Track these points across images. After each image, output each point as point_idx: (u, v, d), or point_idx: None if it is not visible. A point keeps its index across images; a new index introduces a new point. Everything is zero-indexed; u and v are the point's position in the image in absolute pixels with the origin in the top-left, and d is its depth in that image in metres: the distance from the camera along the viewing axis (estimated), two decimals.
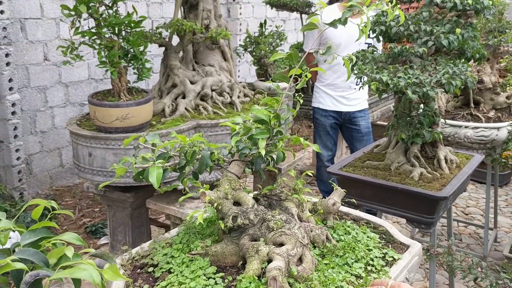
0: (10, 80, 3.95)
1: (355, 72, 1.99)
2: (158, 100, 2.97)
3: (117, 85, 2.53)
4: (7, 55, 3.88)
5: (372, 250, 1.45)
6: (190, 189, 1.52)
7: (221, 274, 1.27)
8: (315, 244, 1.40)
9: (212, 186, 2.62)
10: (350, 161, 2.38)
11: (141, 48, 2.61)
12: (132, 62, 2.59)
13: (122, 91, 2.54)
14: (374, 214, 3.63)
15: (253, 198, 1.42)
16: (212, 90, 3.07)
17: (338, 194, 1.51)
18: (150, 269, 1.32)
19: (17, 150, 4.06)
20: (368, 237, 1.53)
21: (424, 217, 2.05)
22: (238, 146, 1.36)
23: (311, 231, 1.41)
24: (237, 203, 1.36)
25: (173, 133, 1.36)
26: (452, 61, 2.06)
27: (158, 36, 2.98)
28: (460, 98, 3.41)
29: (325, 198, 4.16)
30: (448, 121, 3.08)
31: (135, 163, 1.33)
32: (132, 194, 2.92)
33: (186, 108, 2.86)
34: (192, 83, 3.05)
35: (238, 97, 3.17)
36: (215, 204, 1.29)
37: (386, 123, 5.52)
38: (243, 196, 1.34)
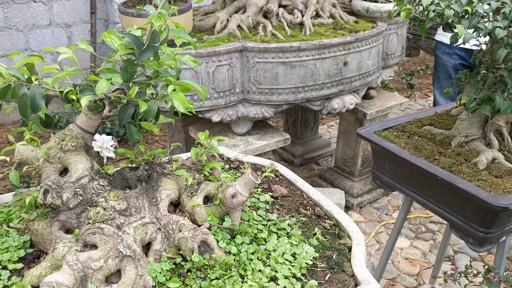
0: None
1: None
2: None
3: None
4: None
5: (278, 279, 0.90)
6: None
7: (20, 265, 0.90)
8: (182, 253, 0.92)
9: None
10: (405, 121, 1.67)
11: None
12: None
13: None
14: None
15: (134, 165, 0.97)
16: (282, 6, 2.48)
17: (244, 182, 0.95)
18: None
19: None
20: (293, 254, 0.97)
21: (474, 229, 1.32)
22: (76, 85, 0.90)
23: (180, 231, 0.92)
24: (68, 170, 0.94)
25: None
26: None
27: None
28: None
29: None
30: None
31: None
32: (182, 118, 2.64)
33: (239, 26, 2.36)
34: None
35: (318, 16, 2.52)
36: (24, 168, 0.89)
37: None
38: (72, 162, 0.91)
